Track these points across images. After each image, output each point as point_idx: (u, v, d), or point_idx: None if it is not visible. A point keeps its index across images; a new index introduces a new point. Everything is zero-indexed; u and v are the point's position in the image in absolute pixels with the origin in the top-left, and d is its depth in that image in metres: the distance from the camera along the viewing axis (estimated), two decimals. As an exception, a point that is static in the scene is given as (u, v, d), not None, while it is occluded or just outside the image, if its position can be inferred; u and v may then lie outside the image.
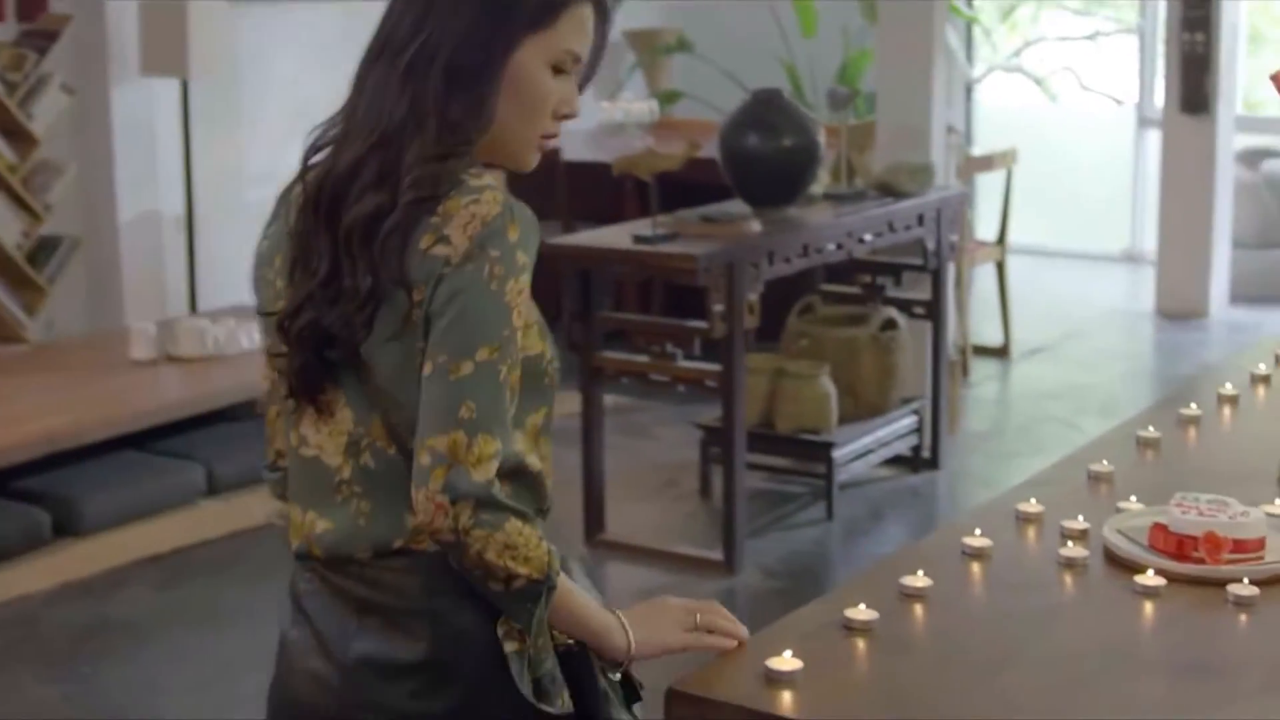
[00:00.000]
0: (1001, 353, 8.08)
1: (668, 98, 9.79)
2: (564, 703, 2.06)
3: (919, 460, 6.34)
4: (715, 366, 5.34)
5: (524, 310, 2.02)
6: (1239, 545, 2.41)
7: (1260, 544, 2.44)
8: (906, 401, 6.23)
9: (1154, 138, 10.05)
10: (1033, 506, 2.63)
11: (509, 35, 2.09)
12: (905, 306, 6.30)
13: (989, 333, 8.18)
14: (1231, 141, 8.94)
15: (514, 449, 2.04)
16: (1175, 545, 2.43)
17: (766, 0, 9.65)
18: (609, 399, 5.64)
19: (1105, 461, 2.84)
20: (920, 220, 6.02)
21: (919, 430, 6.29)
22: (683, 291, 6.50)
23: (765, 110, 5.57)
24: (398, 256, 2.01)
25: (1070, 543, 2.48)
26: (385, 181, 2.05)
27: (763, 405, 5.83)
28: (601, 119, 9.20)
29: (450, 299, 1.98)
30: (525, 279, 2.01)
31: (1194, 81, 8.60)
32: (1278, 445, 2.96)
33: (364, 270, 2.02)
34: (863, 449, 5.96)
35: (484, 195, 2.02)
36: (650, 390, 6.22)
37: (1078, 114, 11.47)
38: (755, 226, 5.34)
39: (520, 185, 9.37)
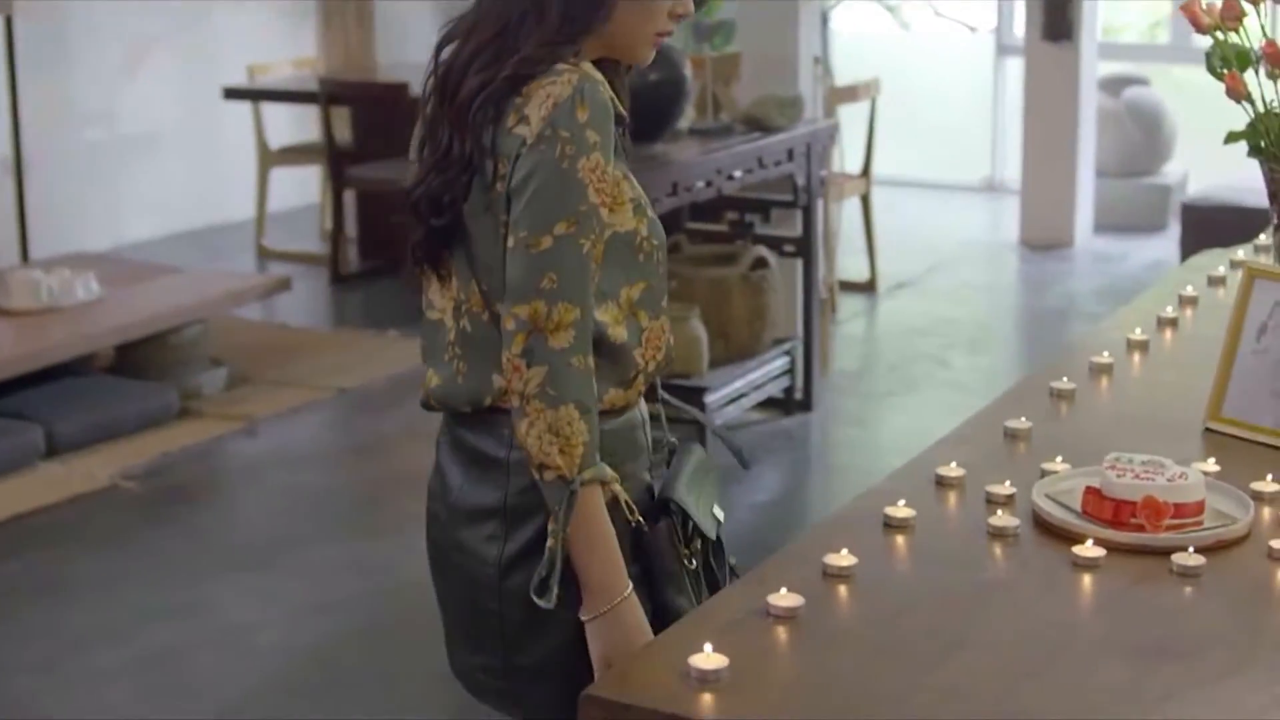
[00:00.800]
0: (868, 288, 7.97)
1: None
2: (550, 599, 2.14)
3: (791, 402, 6.19)
4: (584, 312, 5.12)
5: (607, 187, 2.15)
6: (1179, 510, 2.27)
7: (1200, 508, 2.30)
8: (778, 342, 6.08)
9: (1013, 66, 9.98)
10: (953, 470, 2.47)
11: None
12: (775, 244, 6.14)
13: (854, 267, 8.06)
14: (1095, 69, 8.87)
15: (597, 319, 2.18)
16: (1111, 511, 2.27)
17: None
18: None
19: (1024, 418, 2.69)
20: (790, 155, 5.85)
21: (791, 371, 6.14)
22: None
23: (630, 42, 5.35)
24: (491, 128, 2.16)
25: (999, 511, 2.32)
26: (497, 63, 2.18)
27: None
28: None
29: (527, 178, 2.13)
30: (599, 157, 2.13)
31: (1056, 8, 8.51)
32: (1197, 395, 2.83)
33: (466, 139, 2.18)
34: (735, 392, 5.79)
35: (562, 77, 2.14)
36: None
37: (933, 42, 11.39)
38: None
39: (371, 123, 9.00)
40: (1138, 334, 3.19)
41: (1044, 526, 2.30)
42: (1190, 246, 7.88)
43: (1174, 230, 9.07)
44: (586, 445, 2.12)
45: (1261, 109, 3.06)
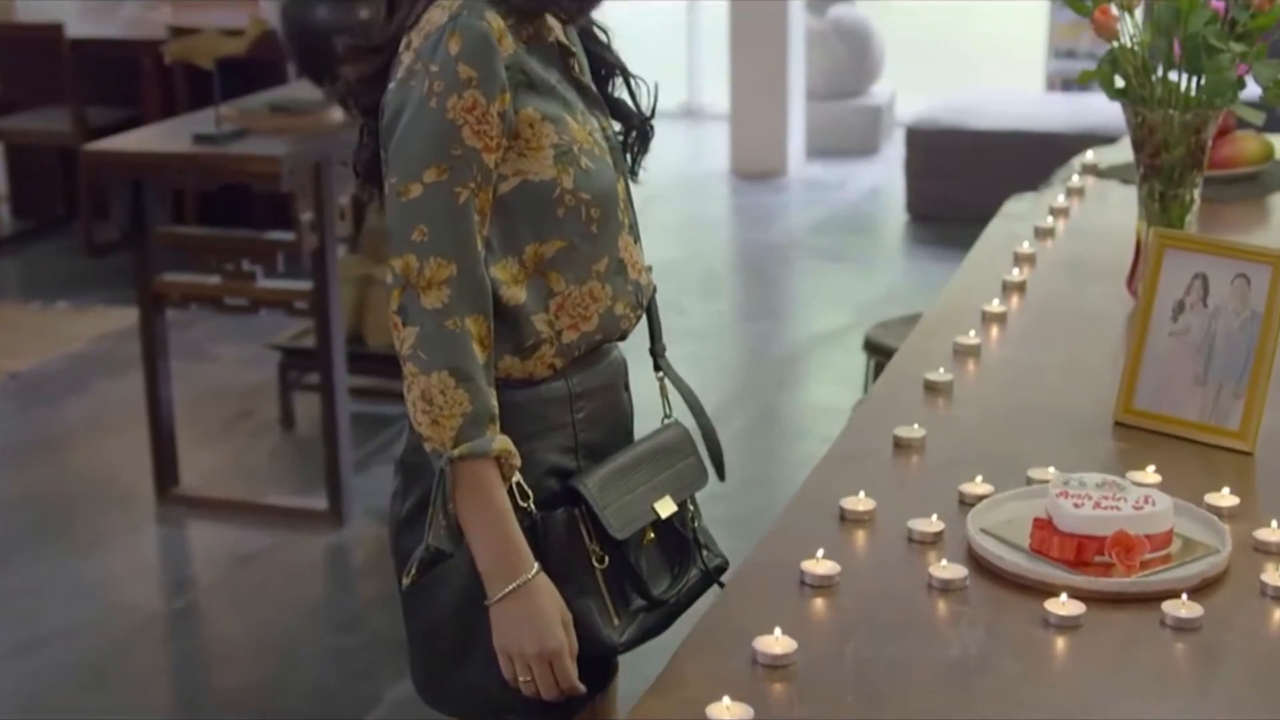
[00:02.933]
0: (581, 229, 7.57)
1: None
2: (407, 580, 1.96)
3: (524, 365, 5.76)
4: (304, 285, 4.63)
5: (490, 129, 1.94)
6: (1151, 543, 1.94)
7: (1169, 537, 1.97)
8: (508, 301, 5.63)
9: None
10: (861, 503, 2.10)
11: None
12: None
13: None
14: (803, -13, 8.61)
15: (492, 275, 1.97)
16: (1075, 550, 1.93)
17: None
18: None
19: (916, 425, 2.33)
20: (515, 95, 5.40)
21: (523, 332, 5.70)
22: (228, 197, 5.72)
23: (335, -25, 4.83)
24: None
25: (938, 557, 1.96)
26: None
27: (350, 318, 5.15)
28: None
29: (394, 117, 1.96)
30: (475, 94, 1.93)
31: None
32: (1086, 378, 2.54)
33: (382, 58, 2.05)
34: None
35: (448, 1, 1.95)
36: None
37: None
38: (336, 115, 4.62)
39: (19, 68, 8.21)
40: (995, 306, 2.86)
41: (990, 572, 1.94)
42: (915, 172, 7.70)
43: (887, 153, 8.90)
44: (466, 416, 1.90)
45: (1127, 45, 2.75)
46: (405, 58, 1.96)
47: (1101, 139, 7.41)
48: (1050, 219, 3.44)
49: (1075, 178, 3.78)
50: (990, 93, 8.24)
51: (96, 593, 4.34)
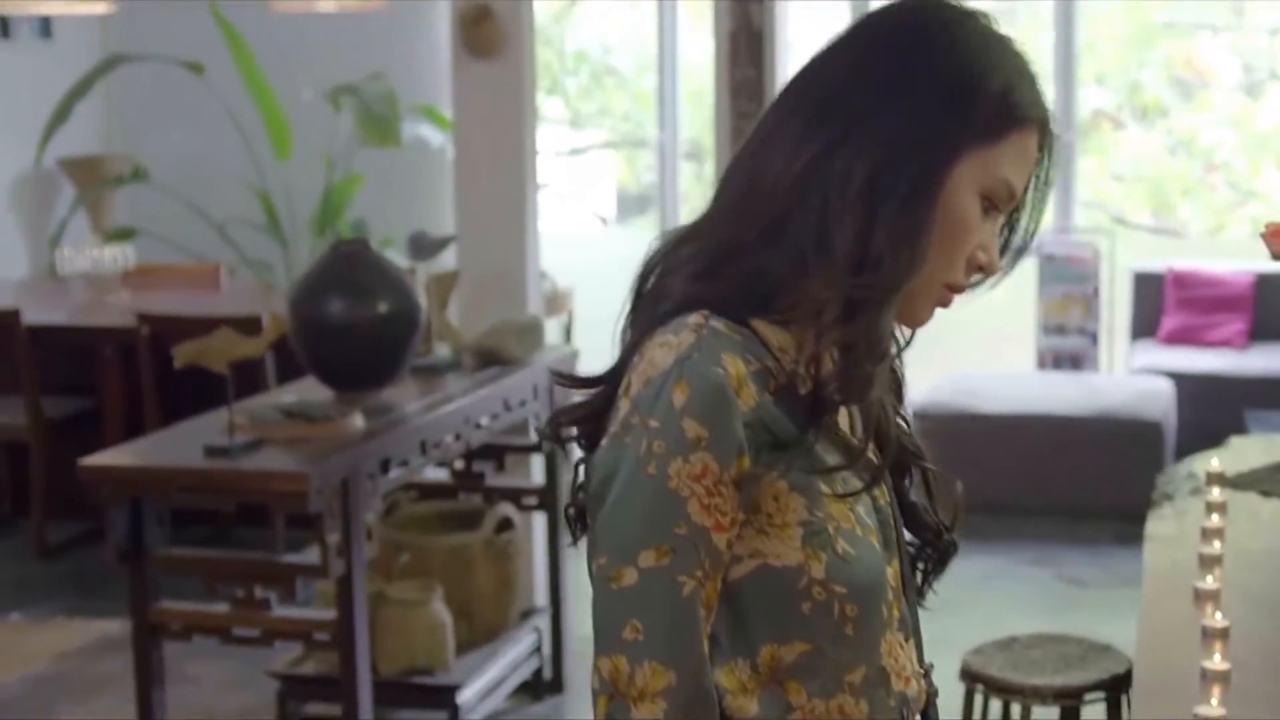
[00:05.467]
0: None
1: (119, 235, 8.58)
2: None
3: (540, 684, 5.36)
4: (324, 614, 4.22)
5: (723, 503, 1.62)
6: None
7: None
8: (525, 615, 5.26)
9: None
10: None
11: (956, 140, 1.67)
12: (512, 497, 5.33)
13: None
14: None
15: (716, 684, 1.65)
16: None
17: (229, 116, 8.49)
18: (118, 625, 4.26)
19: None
20: (535, 392, 5.08)
21: (539, 648, 5.32)
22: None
23: (351, 268, 4.51)
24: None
25: None
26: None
27: (359, 642, 4.74)
28: (63, 269, 7.93)
29: (604, 482, 1.65)
30: (706, 458, 1.61)
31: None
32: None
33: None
34: (488, 685, 4.94)
35: (680, 335, 1.65)
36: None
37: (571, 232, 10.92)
38: (358, 422, 4.27)
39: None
40: (1216, 663, 2.54)
41: None
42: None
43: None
44: None
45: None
46: (622, 405, 1.65)
47: (1115, 420, 7.20)
48: (1214, 544, 3.13)
49: (1216, 491, 3.48)
50: (988, 374, 8.02)
51: None
